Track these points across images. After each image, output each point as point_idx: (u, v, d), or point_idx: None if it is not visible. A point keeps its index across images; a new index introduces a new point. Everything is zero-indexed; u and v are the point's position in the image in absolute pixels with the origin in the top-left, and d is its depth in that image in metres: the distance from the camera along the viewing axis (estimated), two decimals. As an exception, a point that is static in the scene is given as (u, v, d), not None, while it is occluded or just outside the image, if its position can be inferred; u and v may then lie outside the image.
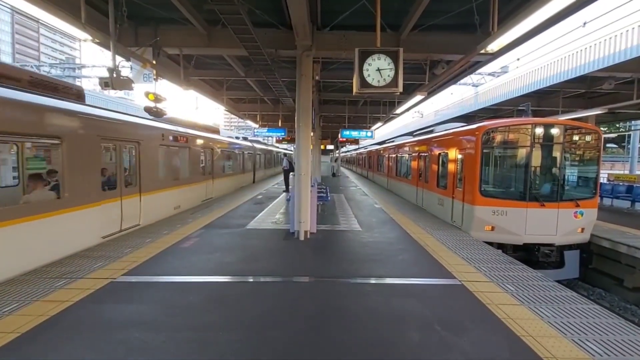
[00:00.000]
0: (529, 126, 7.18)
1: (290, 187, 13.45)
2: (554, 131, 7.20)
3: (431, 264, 5.38)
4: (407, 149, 13.99)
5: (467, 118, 18.45)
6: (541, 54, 12.78)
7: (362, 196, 14.51)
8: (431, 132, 11.87)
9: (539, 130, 7.15)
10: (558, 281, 4.86)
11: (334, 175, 29.60)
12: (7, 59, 70.93)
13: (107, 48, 5.99)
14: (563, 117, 12.94)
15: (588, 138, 7.40)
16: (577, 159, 7.65)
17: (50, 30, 78.80)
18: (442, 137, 9.82)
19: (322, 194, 10.29)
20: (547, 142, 7.22)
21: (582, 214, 7.12)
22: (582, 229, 7.26)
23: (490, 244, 6.75)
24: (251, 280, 4.69)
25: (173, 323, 3.39)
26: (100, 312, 3.57)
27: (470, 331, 3.31)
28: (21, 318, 3.41)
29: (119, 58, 5.97)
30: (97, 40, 5.56)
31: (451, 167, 8.57)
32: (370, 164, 26.44)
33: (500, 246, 7.01)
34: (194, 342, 3.06)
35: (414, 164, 12.62)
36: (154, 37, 7.22)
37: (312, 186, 7.29)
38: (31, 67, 24.73)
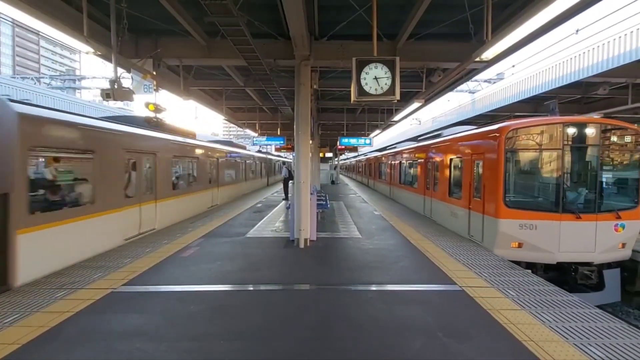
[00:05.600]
0: (560, 125, 6.19)
1: (289, 195, 13.48)
2: (589, 131, 6.20)
3: (432, 270, 5.38)
4: (412, 154, 13.12)
5: (464, 125, 18.59)
6: (536, 61, 12.98)
7: (361, 203, 14.53)
8: (438, 136, 10.99)
9: (572, 130, 6.18)
10: (599, 306, 4.22)
11: (333, 182, 29.64)
12: (8, 71, 71.44)
13: (109, 60, 6.08)
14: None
15: (628, 139, 6.40)
16: (616, 163, 6.73)
17: (50, 41, 79.55)
18: (455, 141, 8.85)
19: (321, 202, 10.30)
20: (581, 143, 6.27)
21: (623, 227, 6.12)
22: (624, 244, 6.26)
23: (518, 263, 5.90)
24: (252, 288, 4.68)
25: (174, 333, 3.38)
26: (101, 323, 3.56)
27: (473, 337, 3.31)
28: (22, 329, 3.40)
29: (120, 69, 6.04)
30: (99, 53, 5.64)
31: (466, 173, 7.66)
32: (371, 172, 25.38)
33: (529, 266, 6.07)
34: (195, 352, 3.05)
35: (420, 171, 11.69)
36: (155, 49, 7.33)
37: (311, 194, 7.31)
38: (31, 78, 24.92)
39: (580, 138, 6.28)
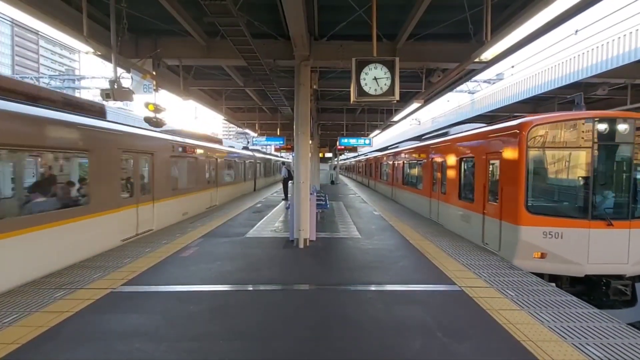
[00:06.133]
0: (590, 121, 5.53)
1: (289, 195, 13.47)
2: (622, 127, 5.53)
3: (431, 270, 5.39)
4: (416, 154, 12.34)
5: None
6: (535, 61, 13.00)
7: (361, 204, 14.54)
8: (445, 134, 10.24)
9: (603, 127, 5.53)
10: (631, 324, 3.84)
11: (332, 183, 29.65)
12: (7, 71, 71.36)
13: (109, 60, 6.09)
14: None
15: None
16: None
17: (50, 41, 79.47)
18: (465, 139, 8.13)
19: (321, 202, 10.31)
20: (614, 141, 5.63)
21: None
22: None
23: (540, 276, 5.30)
24: (251, 289, 4.69)
25: (173, 333, 3.39)
26: (101, 323, 3.57)
27: (471, 337, 3.32)
28: (21, 329, 3.40)
29: (119, 69, 6.05)
30: (99, 53, 5.64)
31: (479, 174, 7.01)
32: (372, 172, 24.33)
33: (553, 278, 5.49)
34: (194, 352, 3.06)
35: (425, 171, 10.91)
36: (154, 49, 7.33)
37: (311, 194, 7.32)
38: (30, 78, 24.91)
39: (612, 135, 5.56)
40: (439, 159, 9.70)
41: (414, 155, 12.75)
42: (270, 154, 31.04)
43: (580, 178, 5.72)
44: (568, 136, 5.64)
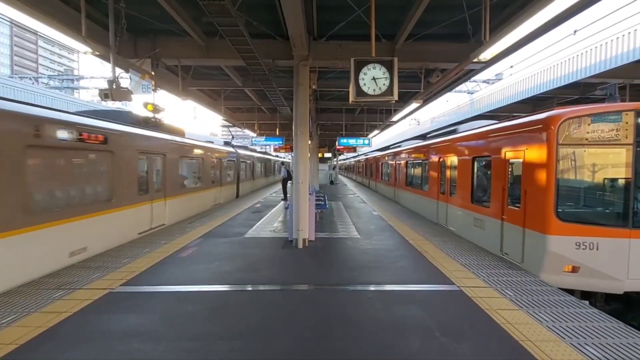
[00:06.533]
0: (630, 114, 4.79)
1: (288, 195, 13.48)
2: None
3: (430, 270, 5.39)
4: (422, 153, 11.46)
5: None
6: (534, 61, 13.02)
7: (360, 204, 14.54)
8: (454, 132, 9.55)
9: None
10: None
11: (332, 183, 29.66)
12: (6, 71, 71.23)
13: (107, 60, 6.08)
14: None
15: None
16: None
17: (49, 41, 79.38)
18: (479, 136, 7.31)
19: (320, 202, 10.31)
20: None
21: None
22: None
23: (571, 292, 4.67)
24: (250, 289, 4.69)
25: (172, 333, 3.39)
26: (99, 323, 3.56)
27: (470, 337, 3.32)
28: (20, 329, 3.39)
29: (118, 70, 6.04)
30: (98, 53, 5.64)
31: (497, 175, 6.27)
32: (373, 172, 23.23)
33: (586, 295, 4.88)
34: (193, 351, 3.06)
35: (432, 172, 10.08)
36: (153, 49, 7.33)
37: (310, 194, 7.32)
38: (29, 78, 24.85)
39: None
40: (447, 159, 8.94)
41: (419, 154, 11.86)
42: (264, 153, 27.56)
43: (618, 180, 5.04)
44: (604, 131, 4.87)
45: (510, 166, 6.00)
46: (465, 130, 8.56)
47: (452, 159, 8.61)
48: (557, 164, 4.92)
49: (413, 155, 12.72)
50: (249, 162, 19.62)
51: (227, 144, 18.80)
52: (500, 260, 5.87)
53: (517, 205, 5.64)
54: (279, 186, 19.09)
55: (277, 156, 33.96)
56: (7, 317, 3.64)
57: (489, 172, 6.73)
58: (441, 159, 9.39)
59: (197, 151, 11.57)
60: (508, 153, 5.99)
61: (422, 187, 11.37)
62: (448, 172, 8.88)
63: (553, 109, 5.27)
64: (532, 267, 5.22)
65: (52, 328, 3.44)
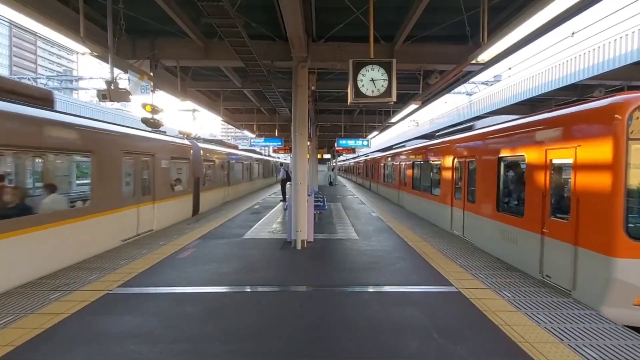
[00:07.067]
0: None
1: (287, 196, 13.46)
2: None
3: (428, 272, 5.39)
4: (431, 153, 10.27)
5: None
6: (532, 63, 13.05)
7: (359, 205, 14.54)
8: (469, 129, 8.26)
9: None
10: None
11: (331, 184, 29.66)
12: (5, 71, 71.14)
13: (106, 61, 6.08)
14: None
15: None
16: None
17: (48, 42, 79.36)
18: (509, 132, 6.05)
19: (319, 203, 10.31)
20: None
21: None
22: None
23: (637, 329, 3.69)
24: (249, 290, 4.68)
25: (169, 334, 3.37)
26: (96, 324, 3.54)
27: (468, 339, 3.32)
28: (16, 331, 3.37)
29: (116, 70, 6.04)
30: (96, 54, 5.64)
31: (535, 179, 5.10)
32: (374, 174, 21.86)
33: None
34: (190, 353, 3.04)
35: (444, 174, 9.00)
36: (152, 50, 7.33)
37: (309, 195, 7.32)
38: (28, 79, 24.82)
39: None
40: (464, 159, 7.83)
41: (428, 154, 10.65)
42: (250, 150, 21.60)
43: None
44: None
45: (553, 168, 4.86)
46: (485, 127, 7.34)
47: (470, 160, 7.49)
48: (627, 164, 3.83)
49: (421, 156, 11.43)
50: (220, 162, 14.43)
51: (194, 138, 13.02)
52: (541, 284, 4.79)
53: (564, 216, 4.57)
54: (269, 192, 18.62)
55: (270, 155, 30.87)
56: (4, 319, 3.62)
57: (521, 175, 5.61)
58: (456, 160, 8.30)
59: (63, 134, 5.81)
60: (551, 152, 4.84)
61: (431, 191, 10.23)
62: (464, 175, 7.76)
63: (619, 94, 4.18)
64: (588, 297, 4.13)
65: (49, 329, 3.42)
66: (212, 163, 13.38)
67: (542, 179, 4.98)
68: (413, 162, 12.40)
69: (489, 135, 6.84)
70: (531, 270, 5.17)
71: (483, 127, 7.49)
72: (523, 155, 5.45)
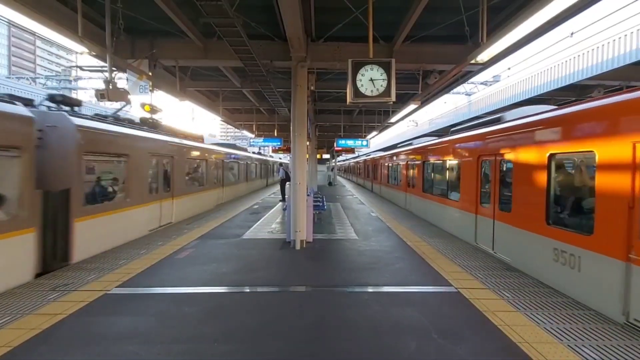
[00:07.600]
0: None
1: (286, 196, 13.45)
2: None
3: (428, 272, 5.38)
4: (448, 152, 8.90)
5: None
6: (532, 63, 13.07)
7: (358, 205, 14.54)
8: (497, 121, 6.89)
9: None
10: None
11: (330, 184, 29.65)
12: (3, 71, 71.00)
13: (104, 60, 6.06)
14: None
15: None
16: None
17: (47, 42, 79.20)
18: (565, 121, 4.74)
19: (318, 203, 10.30)
20: None
21: None
22: None
23: None
24: (247, 290, 4.66)
25: (168, 335, 3.36)
26: (94, 325, 3.53)
27: (467, 339, 3.31)
28: (13, 332, 3.35)
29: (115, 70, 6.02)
30: (94, 53, 5.62)
31: (610, 185, 3.81)
32: (376, 174, 20.59)
33: None
34: (189, 354, 3.03)
35: (467, 175, 7.59)
36: (150, 50, 7.31)
37: (308, 195, 7.31)
38: (27, 79, 24.76)
39: None
40: (493, 157, 6.47)
41: (443, 153, 9.23)
42: (233, 146, 19.21)
43: None
44: None
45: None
46: (523, 117, 5.85)
47: (503, 159, 6.15)
48: None
49: (434, 155, 10.03)
50: (195, 159, 11.83)
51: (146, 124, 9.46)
52: (603, 321, 3.64)
53: None
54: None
55: (264, 154, 28.48)
56: (1, 319, 3.60)
57: (588, 179, 4.47)
58: (482, 159, 6.96)
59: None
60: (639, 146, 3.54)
61: (447, 195, 8.84)
62: (495, 176, 6.39)
63: None
64: None
65: (46, 330, 3.40)
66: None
67: (626, 184, 3.62)
68: (424, 162, 10.95)
69: (533, 127, 5.34)
70: (605, 309, 3.81)
71: (520, 117, 5.97)
72: (592, 152, 4.09)
